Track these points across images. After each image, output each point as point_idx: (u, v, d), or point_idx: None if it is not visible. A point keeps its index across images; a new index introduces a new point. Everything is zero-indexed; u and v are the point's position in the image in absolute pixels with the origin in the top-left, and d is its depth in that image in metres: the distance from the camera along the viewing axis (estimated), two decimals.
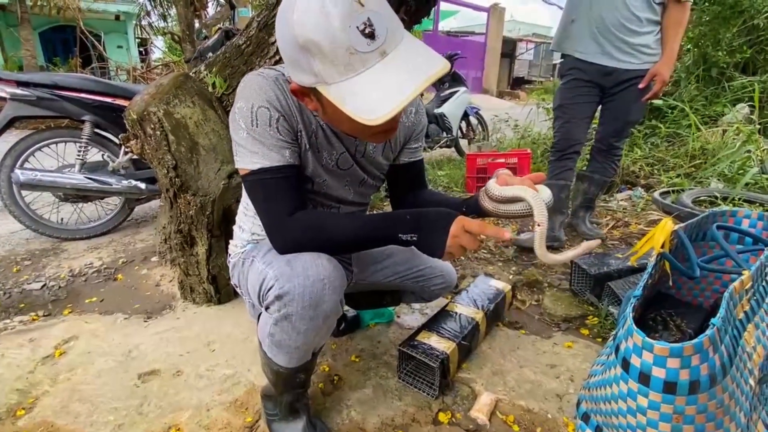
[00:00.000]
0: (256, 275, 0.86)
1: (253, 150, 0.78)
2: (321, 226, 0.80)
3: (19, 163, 2.06)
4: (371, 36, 0.61)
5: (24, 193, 2.12)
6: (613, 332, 0.92)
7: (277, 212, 0.79)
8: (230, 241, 1.06)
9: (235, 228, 1.05)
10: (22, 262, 1.98)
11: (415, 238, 0.77)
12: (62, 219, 2.28)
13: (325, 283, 0.76)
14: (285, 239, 0.80)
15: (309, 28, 0.60)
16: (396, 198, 1.10)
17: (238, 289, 1.04)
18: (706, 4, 3.83)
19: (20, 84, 1.97)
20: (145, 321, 1.53)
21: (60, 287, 1.76)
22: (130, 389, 1.19)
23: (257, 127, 0.77)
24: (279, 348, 0.85)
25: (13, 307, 1.62)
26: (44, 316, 1.57)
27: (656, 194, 2.62)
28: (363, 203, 1.06)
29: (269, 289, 0.79)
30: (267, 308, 0.82)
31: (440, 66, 0.64)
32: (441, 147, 4.09)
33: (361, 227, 0.80)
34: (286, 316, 0.78)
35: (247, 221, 1.00)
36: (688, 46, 3.92)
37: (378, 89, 0.62)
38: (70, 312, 1.59)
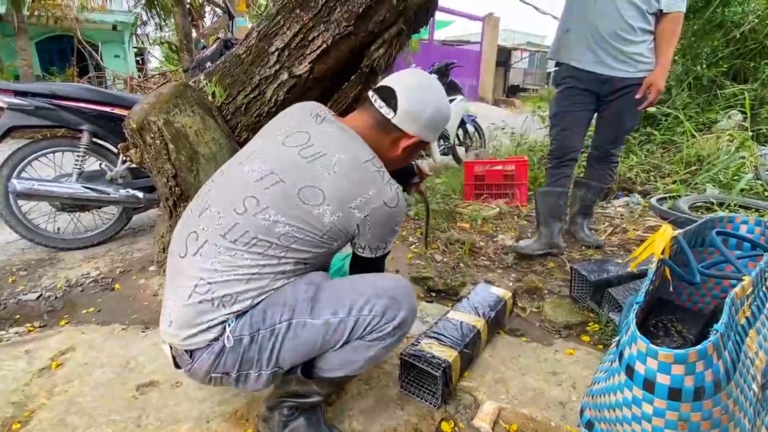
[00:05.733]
0: (316, 332, 0.87)
1: (393, 242, 1.01)
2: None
3: (15, 172, 2.04)
4: None
5: (20, 202, 2.10)
6: (616, 339, 0.92)
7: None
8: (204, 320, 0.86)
9: (215, 298, 0.85)
10: (18, 273, 1.96)
11: None
12: (59, 228, 2.26)
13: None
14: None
15: (449, 116, 1.06)
16: None
17: (230, 375, 0.89)
18: (689, 18, 3.90)
19: (17, 94, 1.97)
20: (143, 331, 1.52)
21: (56, 298, 1.74)
22: (129, 401, 1.17)
23: (398, 233, 0.99)
24: (371, 363, 0.94)
25: (9, 318, 1.60)
26: (40, 327, 1.55)
27: (653, 200, 2.63)
28: None
29: (375, 326, 0.88)
30: (377, 339, 0.89)
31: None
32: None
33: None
34: (400, 337, 0.92)
35: (261, 278, 0.87)
36: (676, 57, 3.99)
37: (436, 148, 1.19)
38: (66, 323, 1.58)
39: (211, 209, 0.90)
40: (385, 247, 0.98)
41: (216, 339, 0.86)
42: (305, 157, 0.89)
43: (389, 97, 0.95)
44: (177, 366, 0.95)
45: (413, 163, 1.22)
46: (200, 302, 0.85)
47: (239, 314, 0.86)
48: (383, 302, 0.88)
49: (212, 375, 0.89)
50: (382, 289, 0.90)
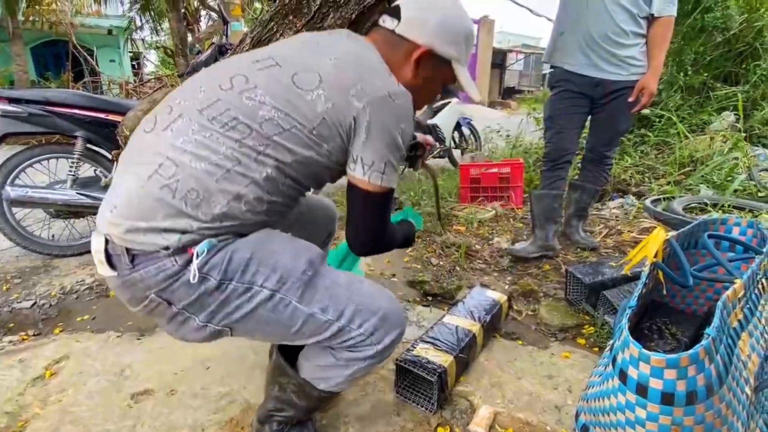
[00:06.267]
0: (296, 318, 0.78)
1: (395, 171, 0.84)
2: (393, 236, 0.96)
3: (9, 179, 2.04)
4: None
5: (14, 209, 2.09)
6: (610, 342, 0.92)
7: (384, 228, 0.89)
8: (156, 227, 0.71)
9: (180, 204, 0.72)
10: (12, 281, 1.95)
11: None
12: (53, 235, 2.25)
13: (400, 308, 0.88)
14: (377, 249, 0.92)
15: (472, 29, 0.93)
16: None
17: (177, 306, 0.75)
18: (677, 23, 3.93)
19: (11, 101, 1.96)
20: (139, 338, 1.51)
21: (51, 305, 1.73)
22: (123, 410, 1.16)
23: (402, 152, 0.84)
24: (351, 380, 0.89)
25: (3, 327, 1.59)
26: (34, 335, 1.54)
27: (647, 202, 2.65)
28: None
29: (358, 343, 0.81)
30: (355, 358, 0.83)
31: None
32: (434, 157, 4.12)
33: (403, 233, 1.05)
34: (382, 359, 0.86)
35: (242, 190, 0.74)
36: (667, 60, 4.02)
37: (469, 80, 0.94)
38: (61, 331, 1.57)
39: (193, 84, 0.81)
40: (383, 170, 0.80)
41: (168, 251, 0.71)
42: (310, 49, 0.82)
43: (395, 11, 0.88)
44: (111, 266, 0.75)
45: (414, 135, 1.16)
46: (161, 188, 0.71)
47: (212, 252, 0.72)
48: (374, 322, 0.81)
49: (150, 297, 0.74)
50: (378, 305, 0.82)
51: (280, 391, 0.95)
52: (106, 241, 0.75)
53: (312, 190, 0.89)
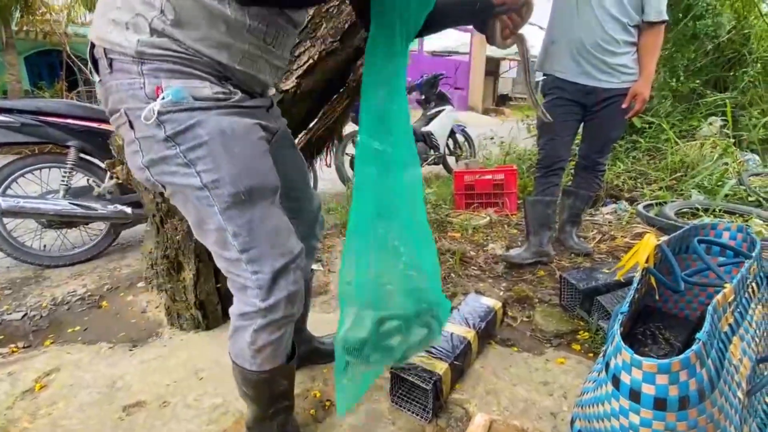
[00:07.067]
0: (208, 226, 0.77)
1: None
2: None
3: (1, 190, 2.02)
4: None
5: (5, 220, 2.08)
6: (603, 348, 0.93)
7: None
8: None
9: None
10: (2, 292, 1.92)
11: None
12: (45, 246, 2.23)
13: (297, 265, 0.83)
14: None
15: None
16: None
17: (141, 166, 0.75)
18: (668, 30, 4.01)
19: (3, 111, 1.95)
20: (131, 350, 1.49)
21: (41, 317, 1.71)
22: (115, 422, 1.15)
23: None
24: (268, 354, 0.87)
25: None
26: (24, 347, 1.52)
27: (640, 207, 2.67)
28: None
29: (245, 293, 0.81)
30: (242, 314, 0.83)
31: None
32: (429, 164, 4.14)
33: None
34: (272, 321, 0.82)
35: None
36: (658, 67, 4.09)
37: None
38: (51, 342, 1.55)
39: None
40: None
41: (138, 68, 0.69)
42: None
43: None
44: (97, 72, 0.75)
45: None
46: None
47: (179, 106, 0.69)
48: (267, 277, 0.79)
49: (121, 112, 0.72)
50: (282, 258, 0.80)
51: (238, 387, 0.96)
52: (93, 46, 0.74)
53: None
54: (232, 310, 0.86)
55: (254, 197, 0.77)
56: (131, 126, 0.73)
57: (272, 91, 0.94)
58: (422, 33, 0.91)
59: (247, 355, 0.87)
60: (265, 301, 0.80)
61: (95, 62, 0.75)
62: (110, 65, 0.71)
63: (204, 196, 0.74)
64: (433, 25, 0.89)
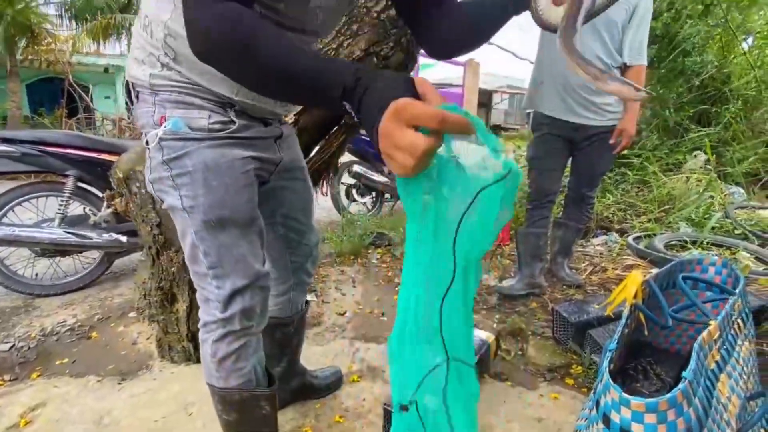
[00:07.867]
0: (184, 232, 0.84)
1: None
2: (253, 32, 0.56)
3: None
4: None
5: None
6: (595, 384, 0.93)
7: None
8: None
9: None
10: None
11: (354, 108, 0.52)
12: (36, 274, 2.21)
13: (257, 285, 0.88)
14: (206, 32, 0.58)
15: None
16: (414, 15, 0.87)
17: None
18: (656, 66, 4.21)
19: (4, 141, 1.99)
20: (120, 383, 1.47)
21: (29, 348, 1.68)
22: None
23: None
24: (229, 366, 0.90)
25: None
26: (11, 380, 1.49)
27: (630, 239, 2.72)
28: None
29: (206, 307, 0.88)
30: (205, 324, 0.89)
31: None
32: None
33: (300, 58, 0.55)
34: (231, 332, 0.87)
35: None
36: (645, 103, 4.26)
37: None
38: (39, 375, 1.51)
39: None
40: None
41: (151, 100, 0.78)
42: None
43: None
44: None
45: None
46: (138, 26, 0.80)
47: (178, 135, 0.77)
48: (226, 293, 0.85)
49: (143, 133, 0.82)
50: (244, 279, 0.85)
51: (219, 417, 0.97)
52: (128, 82, 0.85)
53: None
54: (199, 324, 0.91)
55: (225, 225, 0.83)
56: (148, 146, 0.83)
57: (289, 119, 0.99)
58: (472, 46, 0.89)
59: (212, 369, 0.91)
60: (223, 313, 0.86)
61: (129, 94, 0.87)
62: (137, 96, 0.83)
63: (184, 216, 0.83)
64: (479, 35, 0.86)
